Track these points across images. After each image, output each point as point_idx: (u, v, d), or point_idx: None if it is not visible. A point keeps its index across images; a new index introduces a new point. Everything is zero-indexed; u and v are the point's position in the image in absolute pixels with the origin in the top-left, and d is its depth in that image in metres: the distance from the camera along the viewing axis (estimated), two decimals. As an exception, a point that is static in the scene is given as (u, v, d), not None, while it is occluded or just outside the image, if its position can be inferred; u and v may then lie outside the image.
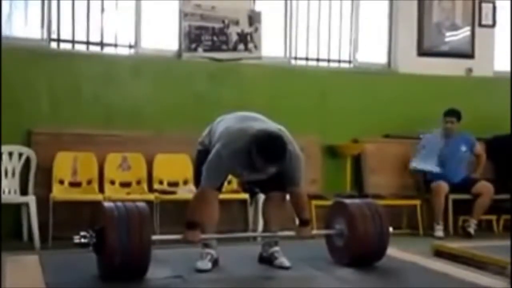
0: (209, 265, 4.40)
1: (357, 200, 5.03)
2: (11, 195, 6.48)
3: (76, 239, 4.10)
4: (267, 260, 4.63)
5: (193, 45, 7.44)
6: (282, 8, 8.03)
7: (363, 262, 4.62)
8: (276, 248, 4.61)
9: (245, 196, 6.84)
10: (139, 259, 4.04)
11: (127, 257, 3.97)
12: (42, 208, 6.30)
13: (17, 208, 6.48)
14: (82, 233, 4.09)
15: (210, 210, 4.41)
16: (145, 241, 4.03)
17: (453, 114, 7.72)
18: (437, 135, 7.81)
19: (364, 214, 4.64)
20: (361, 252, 4.58)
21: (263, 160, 4.08)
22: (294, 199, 4.52)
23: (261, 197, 6.61)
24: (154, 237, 4.23)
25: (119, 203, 4.19)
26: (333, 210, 4.88)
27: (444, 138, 7.79)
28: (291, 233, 4.67)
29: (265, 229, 4.78)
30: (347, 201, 4.89)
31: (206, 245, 4.49)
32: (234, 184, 6.93)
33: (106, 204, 4.27)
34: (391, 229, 4.69)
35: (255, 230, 6.80)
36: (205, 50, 7.48)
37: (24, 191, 6.54)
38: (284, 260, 4.54)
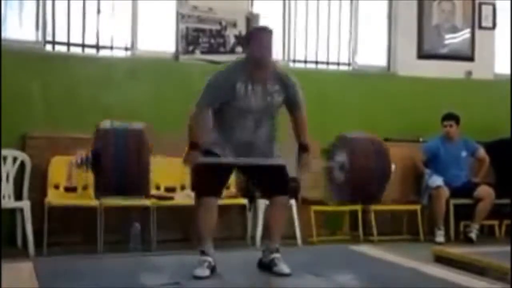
0: (207, 272, 4.34)
1: (360, 135, 4.96)
2: (5, 200, 6.38)
3: (74, 160, 4.15)
4: (266, 266, 4.55)
5: (190, 48, 7.38)
6: (280, 10, 8.00)
7: (364, 197, 4.58)
8: (277, 255, 4.52)
9: (244, 201, 6.77)
10: (137, 180, 4.10)
11: (124, 178, 4.03)
12: (36, 213, 6.25)
13: (11, 214, 6.40)
14: (80, 152, 4.03)
15: (208, 218, 4.40)
16: (143, 162, 4.06)
17: (451, 117, 7.71)
18: (437, 141, 7.77)
19: (367, 149, 4.65)
20: (362, 187, 4.59)
21: (258, 37, 4.35)
22: (297, 122, 4.56)
23: (260, 203, 6.62)
24: (156, 159, 4.31)
25: (117, 126, 4.21)
26: (336, 145, 4.85)
27: (444, 142, 7.74)
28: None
29: (266, 236, 4.75)
30: (350, 135, 4.84)
31: (203, 252, 4.43)
32: (233, 188, 6.86)
33: (103, 127, 4.25)
34: (393, 166, 4.65)
35: (253, 235, 6.75)
36: (202, 53, 7.42)
37: (18, 196, 6.47)
38: (283, 267, 4.46)
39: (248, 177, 4.98)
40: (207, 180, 4.39)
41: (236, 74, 4.37)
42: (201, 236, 4.43)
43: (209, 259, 4.39)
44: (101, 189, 4.20)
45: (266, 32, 4.45)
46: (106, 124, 4.28)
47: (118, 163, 3.99)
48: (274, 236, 4.57)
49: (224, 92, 4.37)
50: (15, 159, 6.50)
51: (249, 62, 4.41)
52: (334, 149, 4.80)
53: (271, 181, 4.50)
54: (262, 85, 4.39)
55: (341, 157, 4.66)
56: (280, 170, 4.52)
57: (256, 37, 4.44)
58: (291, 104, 4.52)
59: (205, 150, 4.47)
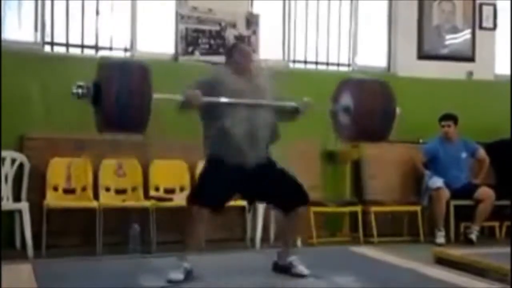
0: (180, 276, 4.36)
1: (365, 77, 4.96)
2: (4, 202, 6.34)
3: (74, 90, 3.99)
4: (283, 268, 4.63)
5: (190, 49, 7.36)
6: (280, 10, 7.98)
7: (368, 138, 4.77)
8: (294, 257, 4.62)
9: (243, 203, 6.72)
10: (138, 115, 4.00)
11: (125, 112, 3.92)
12: (35, 215, 6.21)
13: (9, 216, 6.36)
14: (79, 83, 3.97)
15: (197, 230, 4.41)
16: (145, 96, 3.98)
17: (449, 118, 7.71)
18: (437, 142, 7.76)
19: (371, 90, 4.65)
20: (367, 128, 4.57)
21: (239, 47, 4.67)
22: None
23: (260, 203, 6.60)
24: (155, 96, 4.11)
25: (119, 59, 4.17)
26: (341, 87, 4.83)
27: (444, 143, 7.72)
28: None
29: (280, 238, 4.76)
30: (355, 77, 4.83)
31: (181, 259, 4.44)
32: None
33: (105, 58, 4.18)
34: (398, 110, 4.66)
35: (253, 237, 6.72)
36: (202, 54, 7.40)
37: (17, 198, 6.43)
38: (302, 269, 4.56)
39: (261, 200, 5.09)
40: (208, 189, 4.41)
41: (223, 74, 4.52)
42: (188, 245, 4.46)
43: (186, 264, 4.40)
44: (101, 124, 4.10)
45: (245, 45, 4.87)
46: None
47: (120, 97, 3.87)
48: (292, 242, 4.73)
49: (214, 86, 4.44)
50: (13, 161, 6.46)
51: (233, 67, 4.57)
52: (338, 93, 4.79)
53: (289, 197, 4.53)
54: (250, 84, 4.51)
55: (346, 99, 4.66)
56: (292, 181, 4.59)
57: (237, 47, 4.73)
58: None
59: (213, 159, 4.46)
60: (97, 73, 4.08)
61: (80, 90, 3.97)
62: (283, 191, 4.53)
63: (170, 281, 4.29)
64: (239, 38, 7.52)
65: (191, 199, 4.44)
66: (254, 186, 4.51)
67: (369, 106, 4.54)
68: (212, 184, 4.40)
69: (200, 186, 4.53)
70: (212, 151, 4.50)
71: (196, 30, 7.40)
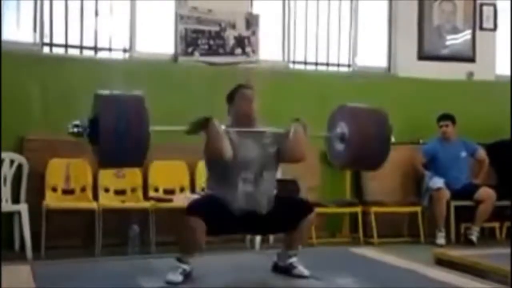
0: (179, 278, 4.32)
1: (360, 105, 4.97)
2: (3, 204, 6.31)
3: (70, 129, 3.97)
4: (283, 269, 4.60)
5: (190, 49, 7.34)
6: (280, 11, 7.96)
7: (363, 166, 4.75)
8: (295, 259, 4.60)
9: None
10: (137, 149, 3.95)
11: (124, 145, 3.87)
12: (34, 216, 6.20)
13: (8, 217, 6.35)
14: (75, 122, 3.95)
15: (194, 239, 4.33)
16: (143, 130, 3.93)
17: (446, 117, 7.72)
18: (435, 142, 7.77)
19: (367, 118, 4.61)
20: (362, 155, 4.54)
21: (241, 92, 4.48)
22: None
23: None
24: (154, 128, 4.04)
25: (115, 94, 4.13)
26: (336, 115, 4.79)
27: (442, 143, 7.72)
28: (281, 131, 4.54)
29: (284, 240, 4.69)
30: (351, 105, 4.83)
31: (180, 260, 4.39)
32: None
33: (102, 93, 4.16)
34: (393, 139, 4.60)
35: (252, 238, 6.70)
36: (201, 54, 7.38)
37: (16, 199, 6.41)
38: (303, 270, 4.54)
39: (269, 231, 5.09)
40: (203, 204, 4.39)
41: (225, 132, 4.35)
42: (182, 247, 4.42)
43: (184, 266, 4.36)
44: (100, 159, 4.08)
45: (248, 88, 4.55)
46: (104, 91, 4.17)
47: (118, 133, 3.83)
48: (296, 245, 4.63)
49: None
50: (12, 162, 6.43)
51: (236, 119, 4.48)
52: (334, 120, 4.76)
53: (294, 215, 4.48)
54: (253, 138, 4.43)
55: (341, 127, 4.62)
56: (292, 203, 4.59)
57: (240, 92, 4.52)
58: (283, 142, 4.48)
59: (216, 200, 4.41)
60: (93, 109, 4.08)
61: (76, 129, 3.97)
62: (284, 215, 4.46)
63: (168, 283, 4.27)
64: (239, 39, 7.51)
65: (188, 209, 4.35)
66: (255, 227, 4.56)
67: (364, 134, 4.49)
68: (213, 204, 4.35)
69: (201, 200, 4.52)
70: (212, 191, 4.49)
71: (195, 31, 7.38)
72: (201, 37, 7.40)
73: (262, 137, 4.46)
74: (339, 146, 4.64)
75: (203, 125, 4.22)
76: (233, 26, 7.52)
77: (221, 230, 4.48)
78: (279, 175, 4.81)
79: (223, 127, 4.31)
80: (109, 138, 3.86)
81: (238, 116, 4.48)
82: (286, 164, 4.65)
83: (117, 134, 3.85)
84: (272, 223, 4.47)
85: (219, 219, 4.31)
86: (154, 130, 4.00)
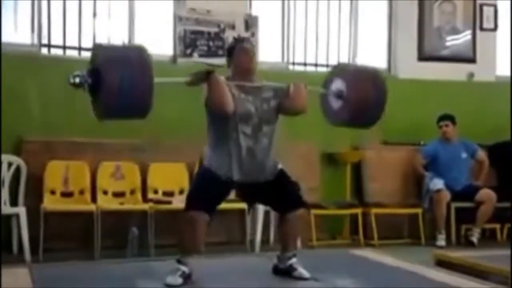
0: (179, 280, 4.30)
1: (355, 64, 4.99)
2: (1, 206, 6.29)
3: (71, 79, 3.87)
4: (284, 271, 4.58)
5: (188, 50, 7.32)
6: (279, 12, 7.94)
7: (359, 122, 4.72)
8: (294, 260, 4.58)
9: (243, 205, 6.67)
10: (141, 98, 3.90)
11: (127, 97, 3.81)
12: (32, 219, 6.16)
13: (6, 220, 6.32)
14: (76, 73, 3.88)
15: (194, 235, 4.33)
16: (147, 80, 3.88)
17: (446, 118, 7.71)
18: (436, 143, 7.75)
19: (364, 76, 4.70)
20: (360, 112, 4.59)
21: (240, 47, 4.45)
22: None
23: (259, 207, 6.56)
24: (157, 80, 3.99)
25: (117, 45, 4.10)
26: (332, 73, 4.86)
27: (444, 144, 7.70)
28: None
29: (282, 245, 4.67)
30: (346, 63, 4.87)
31: (180, 262, 4.37)
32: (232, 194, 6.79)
33: (101, 44, 4.09)
34: None
35: (253, 240, 6.68)
36: (200, 55, 7.36)
37: (14, 202, 6.37)
38: (303, 271, 4.51)
39: (258, 201, 5.00)
40: (202, 195, 4.34)
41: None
42: (182, 248, 4.41)
43: (184, 268, 4.34)
44: (102, 111, 4.02)
45: (247, 42, 4.61)
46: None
47: (123, 81, 3.76)
48: (292, 245, 4.63)
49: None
50: (10, 164, 6.40)
51: (235, 73, 4.45)
52: (330, 78, 4.78)
53: (285, 199, 4.49)
54: (253, 93, 4.40)
55: (338, 84, 4.66)
56: (290, 183, 4.55)
57: (238, 47, 4.50)
58: (283, 96, 4.47)
59: (209, 172, 4.38)
60: (92, 60, 4.01)
61: (77, 79, 3.89)
62: (279, 195, 4.47)
63: (168, 285, 4.25)
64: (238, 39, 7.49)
65: (187, 204, 4.37)
66: (250, 194, 4.56)
67: (362, 90, 4.56)
68: (206, 188, 4.35)
69: (192, 193, 4.47)
70: (208, 160, 4.43)
71: (194, 32, 7.36)
72: (200, 38, 7.38)
73: (262, 91, 4.44)
74: (336, 103, 4.67)
75: (204, 77, 4.18)
76: (232, 27, 7.50)
77: (216, 204, 4.42)
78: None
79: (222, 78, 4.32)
80: (113, 88, 3.79)
81: (238, 70, 4.45)
82: (287, 116, 4.55)
83: (122, 83, 3.78)
84: (265, 194, 4.48)
85: (217, 199, 4.35)
86: (155, 83, 3.94)
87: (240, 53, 4.45)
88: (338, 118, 4.72)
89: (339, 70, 4.83)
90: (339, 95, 4.63)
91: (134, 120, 4.15)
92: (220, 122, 4.32)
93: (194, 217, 4.26)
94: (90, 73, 3.88)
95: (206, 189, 4.36)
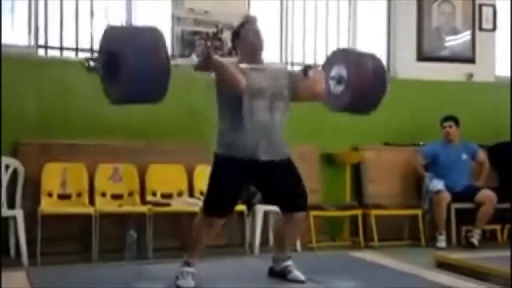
0: (191, 283, 4.29)
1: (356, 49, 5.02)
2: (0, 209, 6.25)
3: (85, 63, 3.89)
4: (279, 274, 4.57)
5: (187, 51, 7.28)
6: (277, 12, 7.92)
7: (361, 107, 4.75)
8: (289, 262, 4.56)
9: (242, 207, 6.64)
10: (158, 84, 3.86)
11: (145, 81, 3.78)
12: (30, 222, 6.11)
13: (4, 222, 6.26)
14: (90, 57, 3.87)
15: (207, 237, 4.38)
16: (163, 63, 3.84)
17: (450, 119, 7.71)
18: (437, 144, 7.73)
19: (364, 59, 4.77)
20: (361, 96, 4.64)
21: (247, 27, 4.44)
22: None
23: (259, 209, 6.53)
24: (173, 62, 4.04)
25: (132, 26, 4.05)
26: (331, 58, 4.90)
27: (444, 145, 7.68)
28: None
29: (277, 246, 4.69)
30: (346, 48, 4.90)
31: (188, 264, 4.36)
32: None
33: (116, 26, 4.04)
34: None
35: (252, 242, 6.65)
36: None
37: (11, 204, 6.33)
38: (298, 274, 4.50)
39: (265, 191, 4.84)
40: (220, 201, 4.32)
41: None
42: (195, 250, 4.39)
43: (193, 270, 4.34)
44: (118, 95, 3.98)
45: (253, 23, 4.51)
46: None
47: (140, 65, 3.72)
48: (288, 247, 4.62)
49: None
50: (7, 167, 6.37)
51: (244, 54, 4.42)
52: (330, 63, 4.83)
53: (291, 197, 4.45)
54: (263, 71, 4.37)
55: (338, 69, 4.71)
56: (299, 183, 4.49)
57: (246, 28, 4.47)
58: (297, 78, 4.48)
59: (225, 162, 4.34)
60: (107, 43, 3.96)
61: (92, 63, 3.85)
62: (286, 188, 4.41)
63: None
64: (230, 53, 7.46)
65: (205, 209, 4.34)
66: (260, 182, 4.45)
67: (363, 75, 4.61)
68: (223, 190, 4.31)
69: (211, 195, 4.39)
70: (222, 146, 4.36)
71: (192, 32, 7.32)
72: (198, 38, 7.34)
73: (272, 69, 4.47)
74: (337, 88, 4.68)
75: (206, 62, 4.11)
76: (231, 28, 7.45)
77: (233, 206, 4.45)
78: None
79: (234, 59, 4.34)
80: (131, 72, 3.75)
81: (247, 50, 4.43)
82: (302, 102, 4.55)
83: (139, 69, 3.74)
84: (271, 187, 4.44)
85: (230, 198, 4.35)
86: (173, 64, 3.97)
87: (247, 33, 4.42)
88: (338, 103, 4.73)
89: (339, 56, 4.85)
90: (340, 80, 4.66)
91: (148, 104, 4.08)
92: (235, 101, 4.26)
93: (213, 222, 4.29)
94: (105, 57, 3.84)
95: (223, 187, 4.30)
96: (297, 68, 4.62)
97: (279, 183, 4.39)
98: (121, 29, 4.00)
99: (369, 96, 4.64)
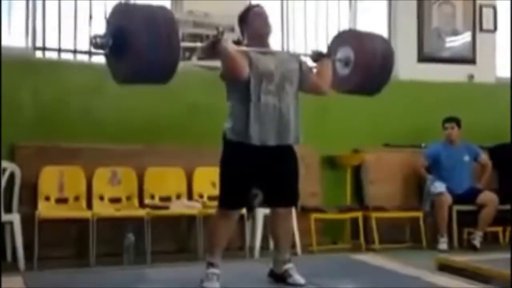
0: (217, 285, 4.30)
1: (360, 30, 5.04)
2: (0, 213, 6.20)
3: (92, 40, 3.82)
4: (279, 277, 4.55)
5: (186, 54, 7.23)
6: (278, 13, 7.90)
7: (367, 88, 4.79)
8: (290, 265, 4.54)
9: (243, 211, 6.59)
10: (167, 64, 3.84)
11: (155, 60, 3.74)
12: (27, 226, 6.06)
13: (0, 227, 6.21)
14: (98, 33, 3.82)
15: (227, 230, 4.45)
16: (174, 41, 3.82)
17: (452, 120, 7.69)
18: (439, 145, 7.70)
19: (371, 40, 4.79)
20: (368, 78, 4.68)
21: (254, 13, 4.44)
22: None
23: (259, 212, 6.48)
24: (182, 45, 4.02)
25: (142, 4, 4.01)
26: (337, 40, 4.92)
27: (446, 146, 7.65)
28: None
29: (275, 247, 4.67)
30: (352, 29, 4.93)
31: (212, 265, 4.36)
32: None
33: (126, 3, 4.03)
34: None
35: (252, 246, 6.60)
36: (199, 58, 7.26)
37: (8, 209, 6.27)
38: (298, 278, 4.48)
39: (266, 179, 4.71)
40: (233, 191, 4.33)
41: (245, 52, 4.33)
42: (214, 246, 4.40)
43: (217, 271, 4.34)
44: (125, 75, 3.94)
45: (259, 7, 4.51)
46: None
47: (150, 43, 3.67)
48: (285, 247, 4.59)
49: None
50: (4, 170, 6.31)
51: (251, 39, 4.44)
52: (335, 45, 4.85)
53: (282, 191, 4.44)
54: (271, 55, 4.39)
55: (344, 51, 4.74)
56: (294, 179, 4.52)
57: (253, 12, 4.47)
58: (307, 71, 4.51)
59: (233, 143, 4.31)
60: (116, 20, 3.91)
61: (99, 40, 3.80)
62: (281, 181, 4.41)
63: None
64: (237, 43, 7.40)
65: (220, 200, 4.39)
66: (267, 168, 4.37)
67: (369, 55, 4.63)
68: (235, 177, 4.31)
69: (224, 184, 4.39)
70: (232, 132, 4.32)
71: (192, 35, 7.28)
72: (198, 41, 7.30)
73: (281, 53, 4.58)
74: (344, 71, 4.72)
75: (212, 47, 4.13)
76: (232, 29, 7.41)
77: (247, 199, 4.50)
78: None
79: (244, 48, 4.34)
80: (140, 51, 3.70)
81: (254, 35, 4.44)
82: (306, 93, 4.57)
83: (149, 48, 3.69)
84: (279, 172, 4.40)
85: (243, 191, 4.36)
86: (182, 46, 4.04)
87: (254, 18, 4.43)
88: (345, 85, 4.74)
89: (345, 36, 4.87)
90: (346, 62, 4.68)
91: (155, 84, 4.05)
92: (242, 86, 4.25)
93: (228, 214, 4.33)
94: (113, 34, 3.79)
95: (235, 174, 4.30)
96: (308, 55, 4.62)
97: (279, 169, 4.39)
98: (133, 6, 3.96)
99: (375, 78, 4.67)
